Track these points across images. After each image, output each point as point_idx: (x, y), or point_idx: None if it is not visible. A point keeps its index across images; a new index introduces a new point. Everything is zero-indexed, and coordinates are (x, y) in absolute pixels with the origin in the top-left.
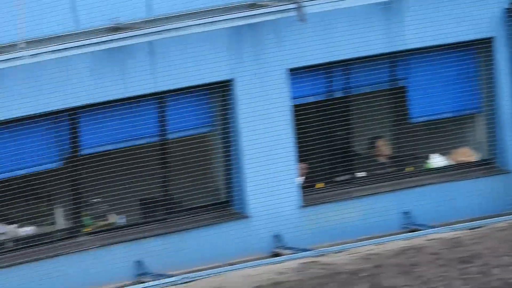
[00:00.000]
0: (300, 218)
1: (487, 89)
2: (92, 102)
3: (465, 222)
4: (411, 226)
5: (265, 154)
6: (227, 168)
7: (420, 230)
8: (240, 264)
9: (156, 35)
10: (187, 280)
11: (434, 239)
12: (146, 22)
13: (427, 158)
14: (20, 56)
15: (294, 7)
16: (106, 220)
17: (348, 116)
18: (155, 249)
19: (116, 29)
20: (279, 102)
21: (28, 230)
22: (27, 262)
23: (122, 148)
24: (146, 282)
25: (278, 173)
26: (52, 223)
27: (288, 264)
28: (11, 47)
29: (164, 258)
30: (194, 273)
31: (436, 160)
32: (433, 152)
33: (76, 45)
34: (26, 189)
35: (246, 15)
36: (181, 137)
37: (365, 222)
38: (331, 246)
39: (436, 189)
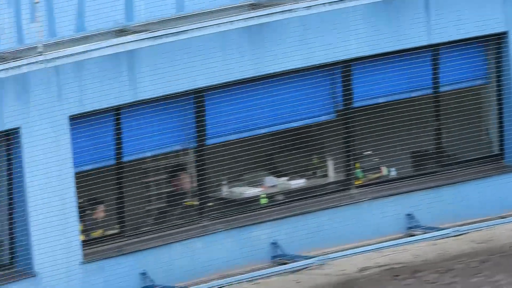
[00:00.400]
0: None
1: None
2: (366, 54)
3: None
4: None
5: None
6: (500, 121)
7: None
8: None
9: None
10: (458, 233)
11: None
12: None
13: None
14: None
15: None
16: (378, 172)
17: None
18: (426, 202)
19: None
20: None
21: (299, 182)
22: (297, 214)
23: (394, 100)
24: (417, 235)
25: None
26: (323, 176)
27: None
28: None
29: (435, 211)
30: (465, 226)
31: None
32: None
33: None
34: (298, 141)
35: None
36: (454, 90)
37: None
38: None
39: None
